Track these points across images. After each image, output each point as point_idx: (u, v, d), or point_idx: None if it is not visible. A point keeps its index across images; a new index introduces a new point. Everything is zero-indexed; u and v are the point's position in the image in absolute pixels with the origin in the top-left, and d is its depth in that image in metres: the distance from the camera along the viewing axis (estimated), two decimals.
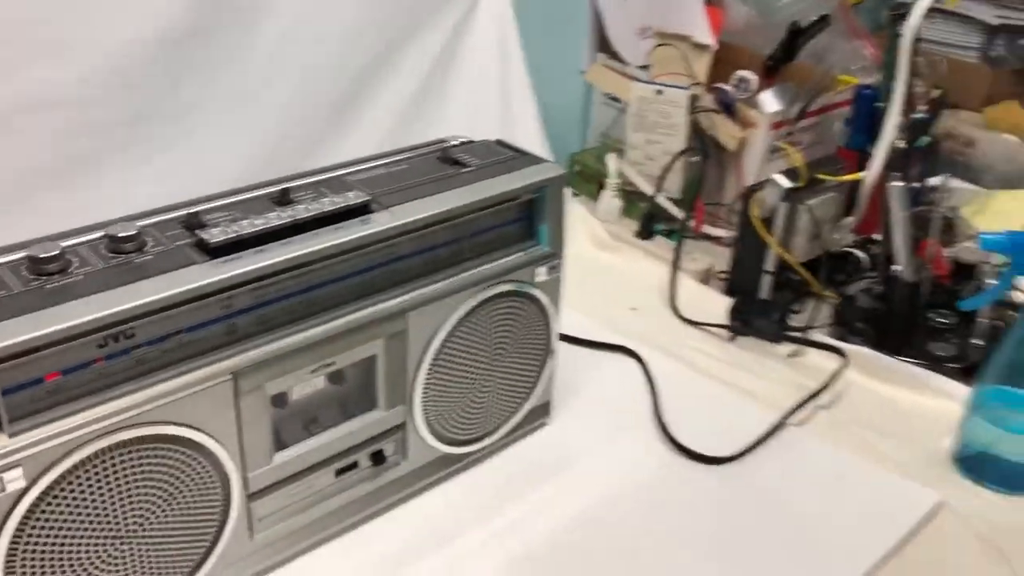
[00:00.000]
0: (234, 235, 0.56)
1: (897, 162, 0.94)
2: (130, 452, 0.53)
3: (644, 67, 1.27)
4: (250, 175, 0.91)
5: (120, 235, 0.55)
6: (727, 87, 1.15)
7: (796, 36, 1.30)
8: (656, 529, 0.70)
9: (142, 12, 0.89)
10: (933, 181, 1.31)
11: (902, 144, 0.94)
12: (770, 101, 1.18)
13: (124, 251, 0.55)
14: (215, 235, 0.55)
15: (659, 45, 1.19)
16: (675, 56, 1.17)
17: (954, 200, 1.27)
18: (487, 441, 0.76)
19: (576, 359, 0.88)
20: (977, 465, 0.77)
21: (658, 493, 0.74)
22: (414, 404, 0.68)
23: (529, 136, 1.16)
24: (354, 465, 0.67)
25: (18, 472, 0.50)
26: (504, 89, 1.17)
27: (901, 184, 0.93)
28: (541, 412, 0.80)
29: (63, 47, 0.85)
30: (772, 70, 1.33)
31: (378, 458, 0.68)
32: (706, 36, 1.35)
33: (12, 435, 0.49)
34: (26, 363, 0.49)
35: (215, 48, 0.94)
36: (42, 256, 0.52)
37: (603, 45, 1.33)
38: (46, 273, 0.52)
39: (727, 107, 1.15)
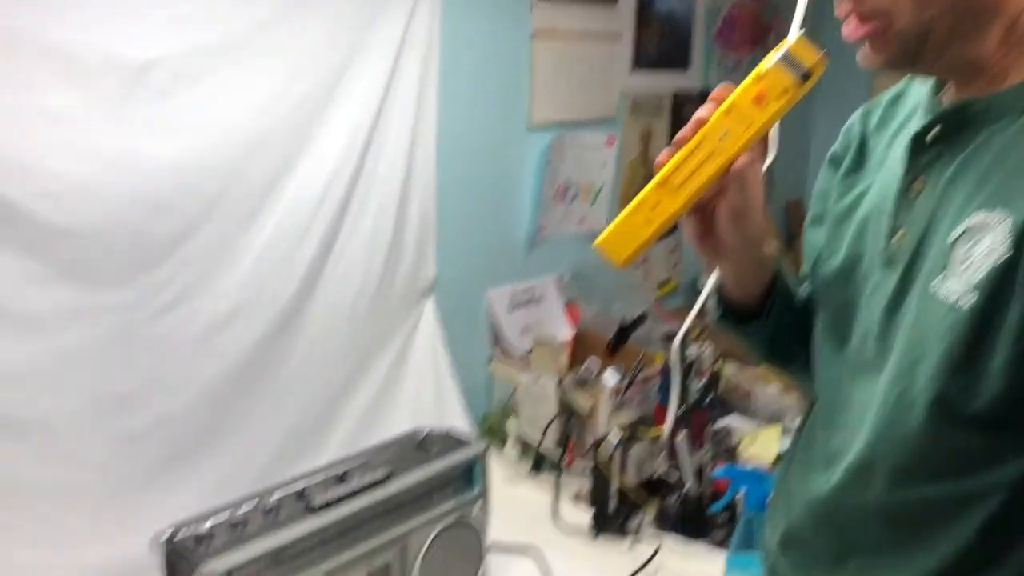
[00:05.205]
0: (326, 500, 1.11)
1: (682, 421, 1.57)
2: None
3: (529, 353, 1.89)
4: (278, 464, 1.45)
5: (267, 507, 1.10)
6: (581, 372, 1.78)
7: (624, 329, 1.98)
8: None
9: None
10: (723, 422, 1.97)
11: (684, 409, 1.57)
12: (608, 377, 1.81)
13: (268, 511, 1.09)
14: (317, 501, 1.11)
15: (534, 348, 1.83)
16: (545, 354, 1.81)
17: (736, 436, 1.91)
18: None
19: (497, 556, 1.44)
20: None
21: None
22: None
23: (455, 410, 1.75)
24: None
25: None
26: (436, 377, 1.77)
27: (684, 436, 1.55)
28: None
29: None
30: (613, 350, 1.99)
31: None
32: (566, 336, 2.01)
33: None
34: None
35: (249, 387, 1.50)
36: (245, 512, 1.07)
37: (498, 340, 1.96)
38: (241, 524, 1.06)
39: (581, 384, 1.77)
